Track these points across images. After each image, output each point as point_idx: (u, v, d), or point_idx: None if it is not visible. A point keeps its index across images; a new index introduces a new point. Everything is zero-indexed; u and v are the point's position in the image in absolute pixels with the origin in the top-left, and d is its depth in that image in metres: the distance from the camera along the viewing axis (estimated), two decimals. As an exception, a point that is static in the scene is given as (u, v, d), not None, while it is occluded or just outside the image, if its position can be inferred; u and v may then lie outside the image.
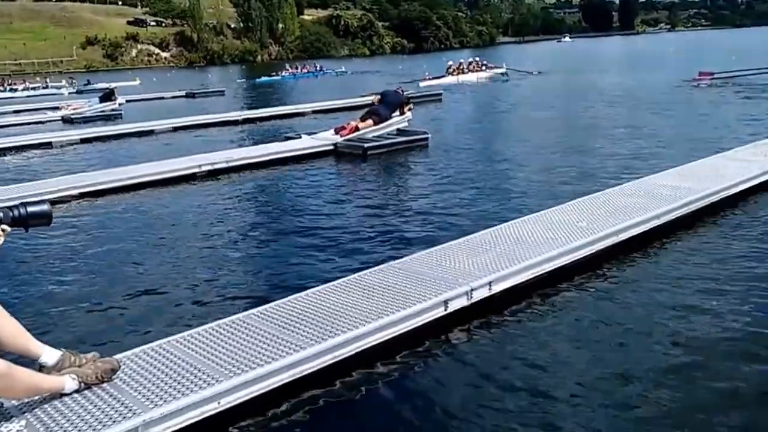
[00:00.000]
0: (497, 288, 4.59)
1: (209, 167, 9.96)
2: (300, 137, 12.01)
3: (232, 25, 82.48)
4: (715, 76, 22.27)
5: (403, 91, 13.80)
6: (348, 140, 11.42)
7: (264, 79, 38.39)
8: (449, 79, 28.80)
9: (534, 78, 29.41)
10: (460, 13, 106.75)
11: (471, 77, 30.19)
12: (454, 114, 17.83)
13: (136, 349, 3.76)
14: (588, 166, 9.42)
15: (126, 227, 7.37)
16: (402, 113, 12.60)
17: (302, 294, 4.51)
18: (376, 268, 4.93)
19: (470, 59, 33.27)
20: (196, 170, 9.82)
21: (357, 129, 11.74)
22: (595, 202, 6.42)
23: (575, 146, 11.12)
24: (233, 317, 4.20)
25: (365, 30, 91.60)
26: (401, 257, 5.27)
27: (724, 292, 4.71)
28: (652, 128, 12.60)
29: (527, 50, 74.12)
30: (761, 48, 46.53)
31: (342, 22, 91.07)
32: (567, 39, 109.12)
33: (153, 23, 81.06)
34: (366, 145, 11.04)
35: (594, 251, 5.31)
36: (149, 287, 5.35)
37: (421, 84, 26.71)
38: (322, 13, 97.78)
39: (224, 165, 10.13)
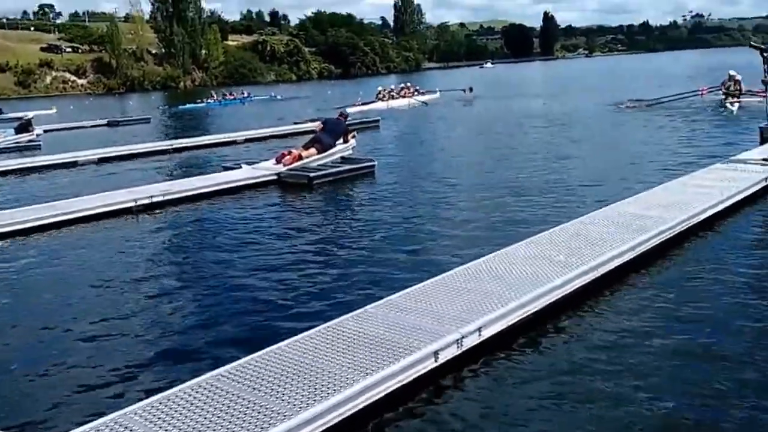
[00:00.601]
0: (487, 333, 4.28)
1: (146, 201, 9.31)
2: (240, 167, 11.47)
3: (153, 51, 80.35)
4: (641, 100, 23.05)
5: (346, 116, 13.46)
6: (291, 170, 10.99)
7: (189, 106, 37.31)
8: (379, 105, 28.67)
9: (468, 104, 29.69)
10: (386, 39, 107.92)
11: (402, 102, 30.26)
12: (395, 140, 17.64)
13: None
14: (544, 195, 9.29)
15: (53, 273, 6.69)
16: (346, 141, 12.29)
17: (274, 348, 4.06)
18: (352, 314, 4.53)
19: (401, 84, 33.42)
20: (132, 204, 9.16)
21: (300, 158, 11.33)
22: (566, 234, 6.24)
23: (526, 173, 11.03)
24: (188, 384, 3.69)
25: (292, 55, 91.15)
26: (370, 300, 4.93)
27: (716, 326, 4.58)
28: (598, 154, 12.79)
29: (452, 75, 75.38)
30: (681, 72, 49.15)
31: (268, 48, 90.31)
32: (489, 65, 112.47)
33: (69, 49, 77.92)
34: (311, 174, 10.62)
35: (576, 287, 5.09)
36: (75, 362, 4.58)
37: (350, 110, 26.45)
38: (247, 38, 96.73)
39: (161, 198, 9.51)
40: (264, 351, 4.02)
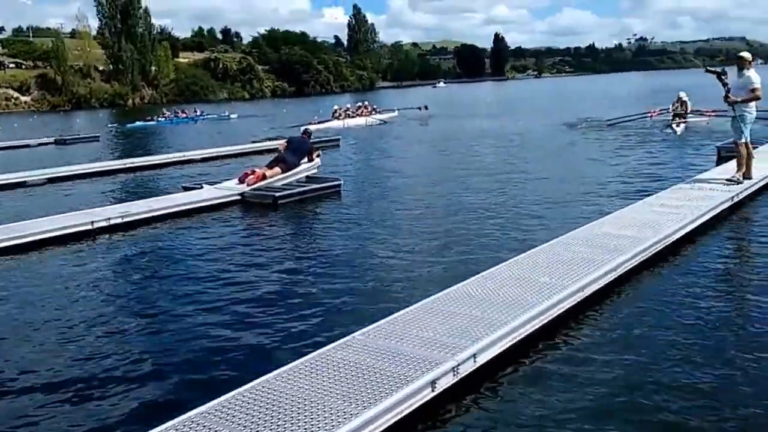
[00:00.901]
0: (482, 359, 4.16)
1: (103, 223, 8.94)
2: (201, 187, 11.16)
3: (101, 68, 78.67)
4: (593, 121, 23.65)
5: (310, 134, 13.29)
6: (256, 189, 10.74)
7: (138, 124, 36.53)
8: (335, 124, 28.54)
9: (424, 123, 29.84)
10: (340, 58, 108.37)
11: (359, 121, 30.23)
12: (357, 159, 17.54)
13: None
14: (512, 215, 9.29)
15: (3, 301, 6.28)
16: (311, 160, 12.12)
17: (261, 381, 3.85)
18: (338, 342, 4.35)
19: (358, 103, 33.41)
20: (89, 227, 8.76)
21: (264, 177, 11.09)
22: (545, 255, 6.19)
23: (491, 194, 11.04)
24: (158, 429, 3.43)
25: (245, 73, 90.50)
26: (347, 328, 4.81)
27: (695, 352, 4.56)
28: (559, 175, 12.82)
29: (406, 94, 76.12)
30: (628, 94, 50.67)
31: (220, 65, 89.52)
32: (441, 84, 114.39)
33: (12, 65, 75.69)
34: (276, 194, 10.40)
35: (564, 309, 5.03)
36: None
37: (302, 128, 26.26)
38: (198, 55, 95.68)
39: (120, 220, 9.14)
40: (250, 385, 3.81)
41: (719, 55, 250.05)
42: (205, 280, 6.74)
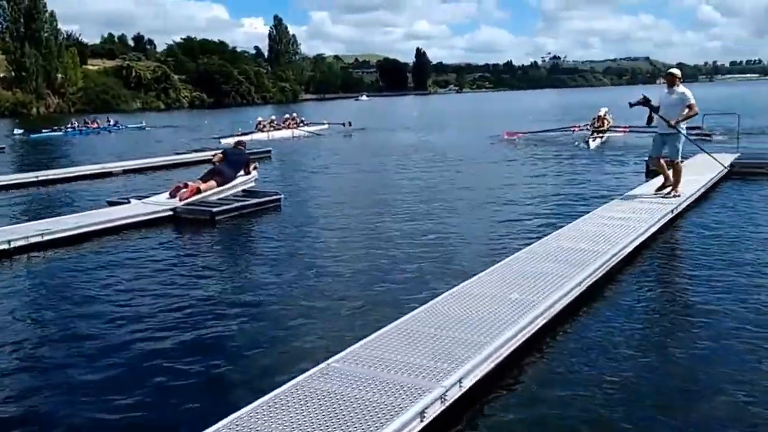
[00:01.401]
0: (467, 383, 3.97)
1: (21, 242, 8.23)
2: (128, 202, 10.51)
3: (1, 74, 74.62)
4: (520, 134, 24.28)
5: (244, 145, 12.82)
6: (189, 204, 10.21)
7: (45, 134, 34.74)
8: (259, 136, 27.91)
9: (348, 136, 29.67)
10: (261, 69, 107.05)
11: (285, 134, 29.77)
12: (291, 172, 17.08)
13: None
14: (458, 228, 9.23)
15: None
16: (247, 172, 11.68)
17: (234, 418, 3.50)
18: (315, 370, 4.04)
19: (286, 115, 32.91)
20: (5, 246, 8.04)
21: (198, 191, 10.57)
22: (510, 271, 6.08)
23: (429, 207, 10.94)
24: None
25: (160, 82, 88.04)
26: (299, 360, 4.58)
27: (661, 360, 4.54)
28: (501, 189, 12.91)
29: (330, 107, 75.99)
30: (546, 109, 52.37)
31: (133, 74, 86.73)
32: (364, 98, 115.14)
33: None
34: (214, 209, 9.91)
35: (539, 326, 4.92)
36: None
37: (229, 140, 25.64)
38: (109, 63, 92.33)
39: (40, 239, 8.44)
40: (220, 424, 3.46)
41: (626, 74, 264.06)
42: (137, 306, 6.17)
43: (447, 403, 3.76)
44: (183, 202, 10.18)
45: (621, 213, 8.64)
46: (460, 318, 4.84)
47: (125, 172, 16.88)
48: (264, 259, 7.90)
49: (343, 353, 4.28)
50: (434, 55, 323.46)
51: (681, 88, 9.50)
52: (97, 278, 7.23)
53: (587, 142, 20.43)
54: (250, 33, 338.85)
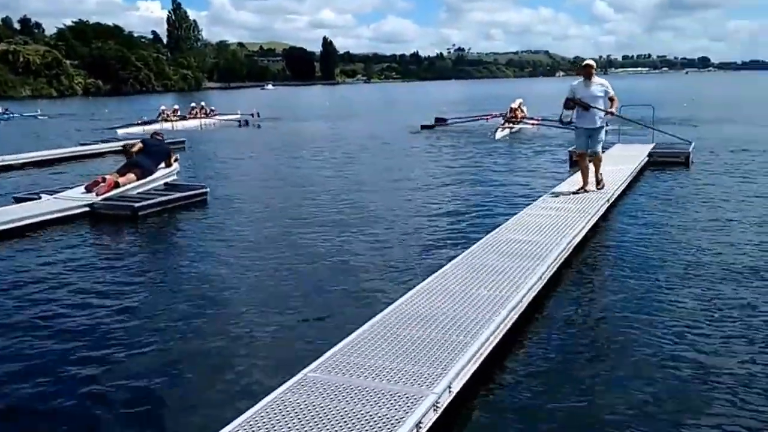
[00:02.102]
0: (455, 388, 3.77)
1: None
2: (39, 197, 9.64)
3: None
4: (448, 122, 24.58)
5: (162, 135, 12.09)
6: (108, 199, 9.50)
7: None
8: (163, 125, 26.54)
9: (255, 127, 28.88)
10: (161, 55, 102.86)
11: (191, 123, 28.61)
12: (208, 163, 16.31)
13: None
14: (393, 223, 9.04)
15: None
16: (168, 165, 11.01)
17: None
18: (292, 382, 3.70)
19: (192, 104, 31.66)
20: None
21: (117, 185, 9.86)
22: (467, 267, 5.87)
23: (360, 200, 10.73)
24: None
25: (51, 68, 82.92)
26: (279, 360, 4.39)
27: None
28: (429, 180, 12.84)
29: (236, 96, 74.14)
30: (455, 99, 53.15)
31: (21, 59, 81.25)
32: (270, 86, 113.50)
33: None
34: (136, 204, 9.24)
35: (512, 321, 4.79)
36: None
37: (129, 130, 24.57)
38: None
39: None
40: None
41: (527, 67, 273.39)
42: (56, 319, 5.55)
43: (439, 411, 3.55)
44: (101, 197, 9.45)
45: (560, 203, 8.68)
46: (433, 317, 4.63)
47: (26, 165, 15.63)
48: (197, 260, 7.32)
49: (318, 361, 3.97)
50: (341, 45, 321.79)
51: (600, 80, 9.19)
52: (3, 286, 6.48)
53: (494, 132, 20.74)
54: (145, 17, 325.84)
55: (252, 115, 30.55)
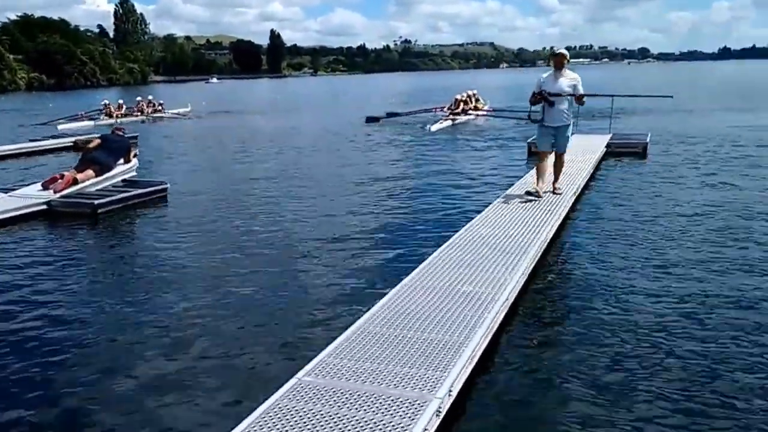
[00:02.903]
0: (455, 391, 3.61)
1: None
2: (-8, 195, 9.10)
3: None
4: (399, 115, 24.49)
5: (123, 131, 11.55)
6: (66, 197, 9.02)
7: None
8: (107, 120, 25.63)
9: (222, 119, 28.31)
10: (107, 49, 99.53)
11: (137, 118, 27.57)
12: (162, 158, 15.73)
13: None
14: (360, 216, 8.85)
15: None
16: (128, 160, 10.54)
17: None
18: (286, 388, 3.49)
19: (139, 98, 30.51)
20: None
21: (75, 182, 9.37)
22: (445, 263, 5.71)
23: (325, 194, 10.51)
24: None
25: (-9, 62, 79.24)
26: (261, 364, 4.17)
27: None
28: (391, 174, 12.67)
29: (181, 89, 72.33)
30: (403, 91, 53.13)
31: (-41, 52, 77.43)
32: (214, 80, 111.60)
33: None
34: (96, 201, 8.78)
35: (500, 320, 4.66)
36: None
37: (71, 125, 23.73)
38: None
39: None
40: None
41: (472, 59, 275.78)
42: (17, 320, 5.23)
43: (441, 415, 3.39)
44: (59, 194, 8.96)
45: (527, 197, 8.59)
46: (421, 316, 4.47)
47: (-31, 161, 14.80)
48: (162, 260, 6.91)
49: (310, 365, 3.76)
50: (288, 38, 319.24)
51: (571, 73, 8.17)
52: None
53: (431, 125, 20.54)
54: (91, 11, 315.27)
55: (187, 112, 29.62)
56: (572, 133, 8.60)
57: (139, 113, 28.41)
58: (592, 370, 4.16)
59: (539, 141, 8.47)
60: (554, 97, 7.94)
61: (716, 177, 10.84)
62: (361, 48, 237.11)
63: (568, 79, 8.06)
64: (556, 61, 8.13)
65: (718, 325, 4.82)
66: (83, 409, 3.86)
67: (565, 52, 8.22)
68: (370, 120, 23.61)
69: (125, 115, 27.48)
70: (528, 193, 8.18)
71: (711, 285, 5.66)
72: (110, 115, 26.74)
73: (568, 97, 8.06)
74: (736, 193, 9.52)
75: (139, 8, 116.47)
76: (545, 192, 8.30)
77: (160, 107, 30.09)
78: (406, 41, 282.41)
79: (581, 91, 8.10)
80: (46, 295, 5.87)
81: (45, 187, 9.16)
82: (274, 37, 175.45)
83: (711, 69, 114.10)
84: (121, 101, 29.34)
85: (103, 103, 28.19)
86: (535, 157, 10.44)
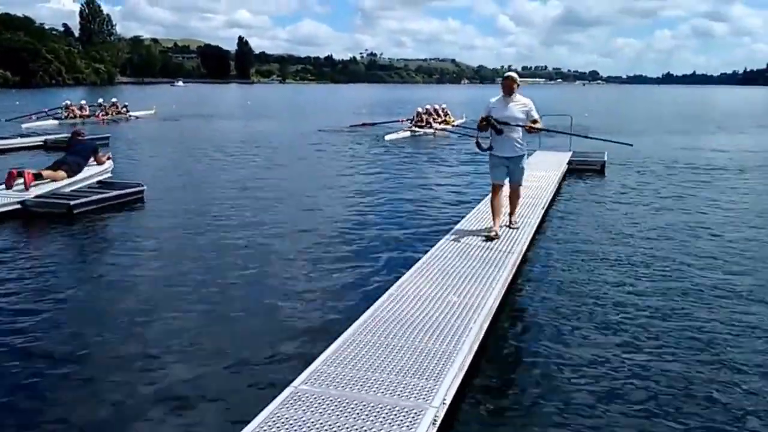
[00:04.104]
0: (448, 399, 3.59)
1: None
2: (-39, 195, 8.74)
3: None
4: (366, 123, 24.58)
5: (81, 134, 11.13)
6: (41, 197, 8.73)
7: None
8: (68, 121, 25.01)
9: (164, 121, 27.78)
10: (73, 48, 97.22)
11: (101, 119, 26.84)
12: (135, 160, 15.41)
13: None
14: (344, 223, 8.81)
15: None
16: (100, 162, 10.28)
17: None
18: (283, 396, 3.42)
19: (100, 100, 29.58)
20: None
21: (39, 176, 9.17)
22: (432, 269, 5.73)
23: (303, 200, 10.45)
24: None
25: (-45, 59, 76.75)
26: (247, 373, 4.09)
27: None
28: (365, 185, 12.66)
29: (148, 92, 71.09)
30: (370, 102, 53.21)
31: None
32: (180, 83, 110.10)
33: None
34: (72, 202, 8.53)
35: (486, 327, 4.66)
36: None
37: (31, 124, 23.16)
38: None
39: None
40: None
41: (435, 74, 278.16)
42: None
43: (437, 424, 3.36)
44: (34, 195, 8.67)
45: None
46: (410, 324, 4.44)
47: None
48: (143, 262, 6.75)
49: (306, 373, 3.69)
50: (256, 45, 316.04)
51: (523, 98, 7.04)
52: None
53: (387, 135, 20.80)
54: (56, 9, 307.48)
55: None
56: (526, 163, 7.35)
57: (102, 115, 27.59)
58: (575, 370, 4.26)
59: (492, 172, 7.24)
60: (503, 125, 6.83)
61: (669, 195, 11.18)
62: (329, 58, 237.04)
63: (520, 105, 6.94)
64: (506, 85, 6.94)
65: (679, 332, 4.96)
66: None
67: (515, 75, 7.07)
68: (347, 127, 23.76)
69: (88, 116, 26.77)
70: (487, 238, 6.89)
71: (673, 296, 5.80)
72: (73, 116, 26.00)
73: (520, 125, 6.92)
74: (688, 210, 9.86)
75: (105, 9, 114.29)
76: (503, 226, 7.27)
77: (124, 109, 29.35)
78: (372, 54, 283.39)
79: (535, 116, 6.95)
80: (19, 296, 5.65)
81: (8, 186, 8.88)
82: (242, 43, 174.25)
83: (656, 93, 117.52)
84: (83, 102, 28.47)
85: (64, 103, 27.21)
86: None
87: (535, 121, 6.92)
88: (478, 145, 7.19)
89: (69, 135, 11.89)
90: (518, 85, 7.00)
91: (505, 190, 7.32)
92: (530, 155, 13.91)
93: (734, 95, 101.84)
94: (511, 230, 7.31)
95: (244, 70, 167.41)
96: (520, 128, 6.92)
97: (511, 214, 7.51)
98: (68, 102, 27.36)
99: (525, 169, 7.28)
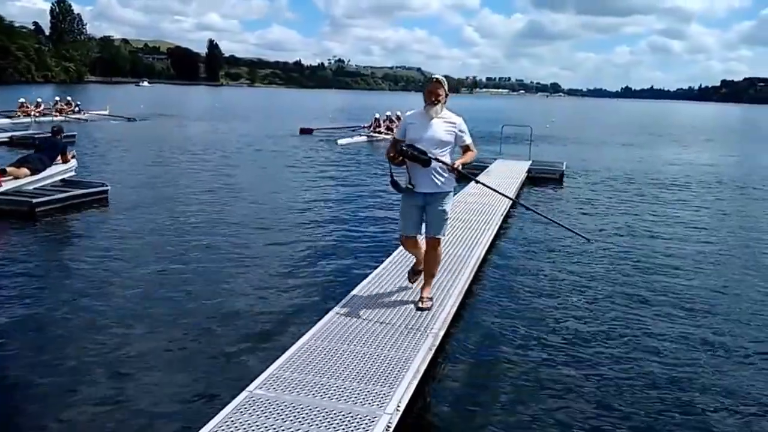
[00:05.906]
0: (402, 406, 3.54)
1: None
2: None
3: None
4: (317, 130, 24.55)
5: (60, 131, 10.85)
6: (2, 194, 8.43)
7: None
8: (23, 120, 24.03)
9: (130, 121, 27.25)
10: (42, 46, 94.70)
11: (55, 119, 25.86)
12: (99, 159, 15.01)
13: None
14: (310, 226, 8.72)
15: None
16: (65, 161, 9.97)
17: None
18: (238, 401, 3.33)
19: (57, 98, 28.65)
20: None
21: (3, 173, 8.80)
22: (391, 278, 5.68)
23: (268, 202, 10.33)
24: None
25: None
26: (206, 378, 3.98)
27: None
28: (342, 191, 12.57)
29: (115, 91, 69.63)
30: (338, 107, 53.08)
31: None
32: (145, 83, 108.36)
33: None
34: (34, 200, 8.25)
35: (443, 335, 4.62)
36: None
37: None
38: None
39: None
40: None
41: (401, 81, 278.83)
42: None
43: (390, 431, 3.31)
44: (-4, 192, 8.36)
45: (461, 214, 8.64)
46: (367, 330, 4.39)
47: None
48: (101, 264, 6.51)
49: (262, 377, 3.61)
50: (226, 48, 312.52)
51: (453, 115, 4.75)
52: None
53: (341, 139, 21.16)
54: (27, 8, 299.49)
55: (129, 119, 28.26)
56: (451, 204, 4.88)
57: (57, 113, 26.64)
58: (528, 373, 4.33)
59: (401, 218, 4.92)
60: (419, 153, 4.54)
61: (622, 203, 11.43)
62: (298, 64, 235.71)
63: (447, 124, 4.69)
64: (431, 91, 4.66)
65: (631, 338, 5.06)
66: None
67: (443, 79, 4.74)
68: (304, 131, 23.86)
69: (43, 115, 25.84)
70: (417, 308, 4.81)
71: (629, 300, 5.92)
72: (27, 114, 25.09)
73: (447, 151, 4.68)
74: (645, 217, 10.16)
75: (76, 8, 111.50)
76: (412, 301, 4.97)
77: (76, 108, 28.37)
78: (340, 60, 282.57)
79: (467, 141, 4.74)
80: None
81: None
82: (212, 46, 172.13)
83: (615, 106, 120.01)
84: (39, 99, 27.41)
85: (19, 101, 26.25)
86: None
87: (467, 148, 4.74)
88: (394, 184, 4.76)
89: (34, 132, 11.47)
90: (447, 95, 4.70)
91: (421, 245, 4.94)
92: (491, 164, 14.15)
93: (690, 110, 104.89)
94: (468, 237, 7.31)
95: (214, 73, 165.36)
96: (446, 147, 4.65)
97: (424, 284, 4.97)
98: (22, 100, 26.36)
99: (448, 213, 4.77)
